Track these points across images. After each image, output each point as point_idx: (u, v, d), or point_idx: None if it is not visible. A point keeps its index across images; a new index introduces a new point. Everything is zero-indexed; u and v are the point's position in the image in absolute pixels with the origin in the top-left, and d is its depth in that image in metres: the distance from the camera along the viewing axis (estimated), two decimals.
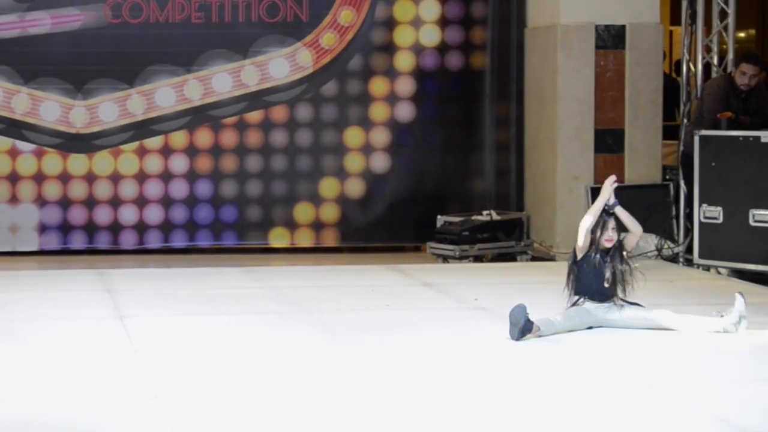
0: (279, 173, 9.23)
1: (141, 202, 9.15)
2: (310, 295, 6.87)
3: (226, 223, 9.19)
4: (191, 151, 9.18)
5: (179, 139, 9.17)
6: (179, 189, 9.17)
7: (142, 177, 9.14)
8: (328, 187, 9.29)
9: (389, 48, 9.32)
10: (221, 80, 9.13)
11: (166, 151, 9.17)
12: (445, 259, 8.65)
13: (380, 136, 9.33)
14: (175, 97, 9.12)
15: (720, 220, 7.73)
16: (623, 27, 8.83)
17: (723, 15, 8.67)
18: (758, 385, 4.83)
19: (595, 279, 5.59)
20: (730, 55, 8.60)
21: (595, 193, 8.65)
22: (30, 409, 4.37)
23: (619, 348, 5.49)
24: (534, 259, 8.76)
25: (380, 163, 9.33)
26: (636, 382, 4.82)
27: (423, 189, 9.32)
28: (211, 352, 5.32)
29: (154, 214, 9.15)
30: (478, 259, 8.66)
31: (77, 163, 9.08)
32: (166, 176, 9.17)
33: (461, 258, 8.56)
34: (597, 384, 4.81)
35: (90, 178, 9.09)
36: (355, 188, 9.31)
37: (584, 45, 8.81)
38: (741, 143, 7.65)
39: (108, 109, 9.06)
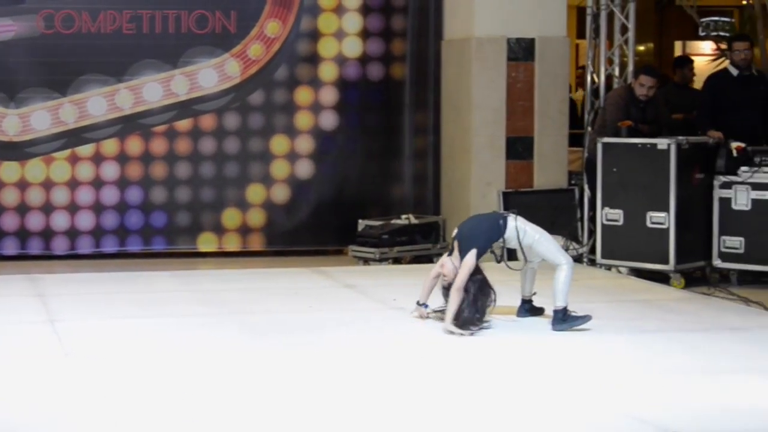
0: (207, 180, 9.24)
1: (72, 208, 9.10)
2: (237, 297, 6.92)
3: (155, 229, 9.17)
4: (122, 158, 9.16)
5: (110, 147, 9.14)
6: (110, 195, 9.14)
7: (73, 184, 9.10)
8: (255, 192, 9.33)
9: (313, 59, 9.38)
10: (151, 89, 9.12)
11: (98, 159, 9.13)
12: (366, 261, 8.73)
13: (305, 144, 9.39)
14: (107, 106, 9.09)
15: (620, 223, 7.89)
16: (533, 40, 8.96)
17: (624, 29, 8.89)
18: (666, 378, 4.98)
19: None
20: (630, 67, 8.80)
21: (506, 198, 8.86)
22: None
23: (542, 345, 5.62)
24: None
25: (305, 169, 9.39)
26: (555, 379, 4.93)
27: (345, 194, 9.38)
28: (140, 354, 5.35)
29: (85, 220, 9.11)
30: (397, 261, 8.76)
31: (10, 170, 9.00)
32: (98, 183, 9.13)
33: (381, 260, 8.64)
34: (518, 380, 4.91)
35: (22, 185, 9.01)
36: (281, 194, 9.36)
37: (497, 57, 8.93)
38: (640, 150, 7.81)
39: (40, 117, 9.01)
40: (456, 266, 5.76)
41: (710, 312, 6.61)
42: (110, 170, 9.14)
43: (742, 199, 7.73)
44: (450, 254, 5.88)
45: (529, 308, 6.15)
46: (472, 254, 5.72)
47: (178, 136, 9.22)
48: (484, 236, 5.83)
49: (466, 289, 5.71)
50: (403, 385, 4.82)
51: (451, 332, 5.68)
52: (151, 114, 9.17)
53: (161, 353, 5.39)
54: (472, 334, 5.67)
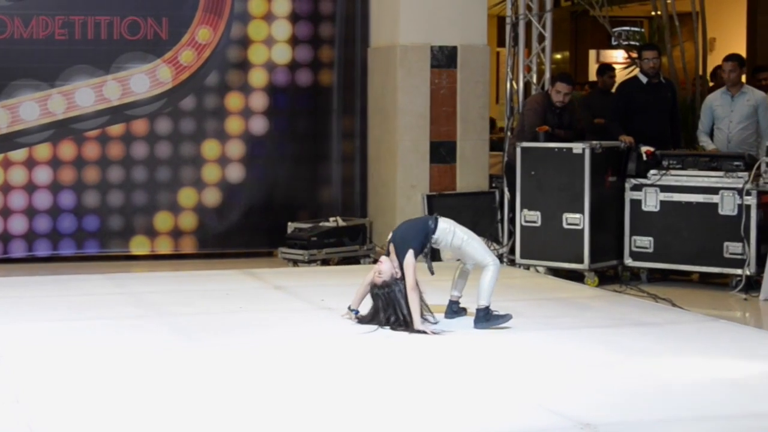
0: (139, 184, 9.16)
1: (5, 212, 8.94)
2: (169, 299, 6.87)
3: (88, 232, 9.07)
4: (55, 163, 9.03)
5: (43, 151, 9.01)
6: (43, 200, 9.01)
7: (6, 188, 8.94)
8: (187, 196, 9.27)
9: (244, 65, 9.35)
10: (84, 95, 9.01)
11: (30, 163, 9.00)
12: (295, 263, 8.72)
13: (235, 148, 9.36)
14: (39, 111, 8.96)
15: (538, 224, 7.99)
16: (455, 48, 9.06)
17: (541, 38, 9.01)
18: (581, 371, 5.07)
19: None
20: (547, 75, 8.93)
21: (430, 200, 8.94)
22: None
23: (464, 342, 5.66)
24: (376, 261, 8.85)
25: (235, 173, 9.36)
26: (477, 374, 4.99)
27: (275, 198, 9.38)
28: (73, 356, 5.29)
29: (18, 224, 8.96)
30: (325, 262, 8.76)
31: None
32: (30, 187, 9.00)
33: (310, 262, 8.65)
34: (440, 375, 4.94)
35: None
36: (212, 198, 9.31)
37: (421, 64, 9.01)
38: (556, 154, 7.92)
39: None
40: (394, 267, 5.83)
41: (622, 308, 6.74)
42: (43, 175, 9.02)
43: (651, 201, 7.90)
44: (387, 255, 5.93)
45: (456, 309, 6.22)
46: (410, 254, 5.82)
47: (110, 140, 9.13)
48: (418, 237, 5.92)
49: (375, 297, 5.83)
50: (333, 382, 4.84)
51: (423, 331, 5.73)
52: (83, 119, 9.05)
53: (93, 355, 5.33)
54: (439, 333, 5.75)
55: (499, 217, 8.88)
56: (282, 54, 9.41)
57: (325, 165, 9.52)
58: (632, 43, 11.15)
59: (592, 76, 13.90)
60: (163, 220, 9.22)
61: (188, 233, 9.27)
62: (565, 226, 7.86)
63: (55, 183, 9.03)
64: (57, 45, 8.94)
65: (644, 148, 7.93)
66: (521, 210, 8.07)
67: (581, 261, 7.81)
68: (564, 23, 13.79)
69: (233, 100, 9.34)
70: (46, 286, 7.44)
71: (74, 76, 8.98)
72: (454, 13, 9.08)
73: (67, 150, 9.05)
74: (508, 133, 8.92)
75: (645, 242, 7.89)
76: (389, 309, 5.81)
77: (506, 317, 5.95)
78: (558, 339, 5.79)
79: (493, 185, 9.15)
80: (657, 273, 8.02)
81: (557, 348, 5.60)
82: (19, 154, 8.96)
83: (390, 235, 6.01)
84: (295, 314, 6.42)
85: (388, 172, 9.13)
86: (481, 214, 8.80)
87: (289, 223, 8.99)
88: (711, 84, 8.57)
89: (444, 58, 9.08)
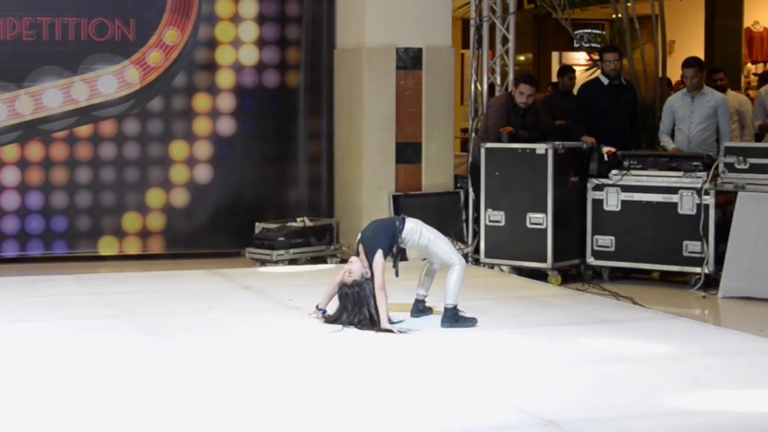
0: (108, 184, 9.10)
1: None
2: (137, 300, 6.83)
3: (56, 233, 8.99)
4: (22, 164, 8.95)
5: (11, 152, 8.92)
6: (11, 201, 8.92)
7: None
8: (155, 197, 9.21)
9: (211, 66, 9.31)
10: (52, 96, 8.93)
11: None
12: (263, 263, 8.68)
13: (203, 149, 9.32)
14: (7, 112, 8.87)
15: (503, 223, 8.03)
16: (420, 50, 9.06)
17: (505, 40, 9.05)
18: (545, 369, 5.10)
19: None
20: (511, 76, 8.97)
21: (396, 200, 8.95)
22: None
23: (430, 340, 5.67)
24: (343, 261, 8.84)
25: (203, 174, 9.32)
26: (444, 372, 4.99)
27: (243, 198, 9.35)
28: (42, 357, 5.25)
29: None
30: (293, 262, 8.74)
31: None
32: None
33: (277, 262, 8.62)
34: (407, 374, 4.95)
35: None
36: (180, 198, 9.27)
37: (386, 66, 9.01)
38: (520, 155, 7.97)
39: None
40: (364, 267, 5.84)
41: (584, 306, 6.79)
42: (11, 175, 8.93)
43: (612, 201, 7.96)
44: (357, 256, 5.94)
45: (422, 308, 6.23)
46: (379, 254, 5.84)
47: (78, 141, 9.05)
48: (386, 237, 5.94)
49: (344, 297, 5.83)
50: (301, 381, 4.83)
51: (389, 330, 5.74)
52: (51, 120, 8.97)
53: (62, 356, 5.29)
54: (406, 332, 5.76)
55: (464, 216, 8.91)
56: (249, 55, 9.39)
57: (292, 165, 9.50)
58: (594, 45, 11.23)
59: (555, 77, 13.98)
60: (131, 221, 9.16)
61: (156, 234, 9.22)
62: (528, 225, 7.90)
63: (23, 184, 8.95)
64: (24, 46, 8.86)
65: (606, 149, 7.99)
66: (486, 210, 8.10)
67: (545, 260, 7.85)
68: (527, 26, 13.86)
69: (201, 101, 9.29)
70: (14, 287, 7.37)
71: (42, 77, 8.90)
72: (419, 15, 9.10)
73: (34, 151, 8.97)
74: (473, 134, 8.95)
75: (606, 241, 7.95)
76: (357, 308, 5.81)
77: (472, 321, 5.97)
78: (522, 337, 5.82)
79: (458, 185, 9.17)
80: (618, 272, 8.09)
81: (521, 346, 5.63)
82: None
83: (359, 236, 6.02)
84: (264, 314, 6.41)
85: (355, 173, 9.13)
86: (446, 214, 8.83)
87: (257, 224, 8.97)
88: (683, 87, 8.66)
89: (409, 60, 9.09)
